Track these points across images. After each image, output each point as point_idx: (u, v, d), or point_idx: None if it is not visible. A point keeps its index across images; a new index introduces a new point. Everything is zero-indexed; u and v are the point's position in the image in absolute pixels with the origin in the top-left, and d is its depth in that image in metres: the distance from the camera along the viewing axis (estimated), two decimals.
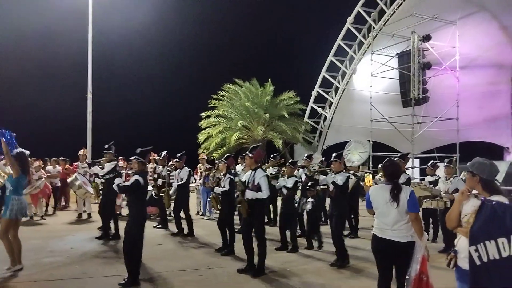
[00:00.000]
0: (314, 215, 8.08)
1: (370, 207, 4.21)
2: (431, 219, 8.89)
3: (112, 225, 8.79)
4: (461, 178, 8.16)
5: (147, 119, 28.34)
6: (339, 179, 6.80)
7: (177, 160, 9.98)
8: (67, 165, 13.40)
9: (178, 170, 9.79)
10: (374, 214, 4.21)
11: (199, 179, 12.91)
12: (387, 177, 4.19)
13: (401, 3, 19.78)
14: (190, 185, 12.54)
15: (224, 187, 7.69)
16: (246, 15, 30.92)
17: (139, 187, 5.71)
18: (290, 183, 7.80)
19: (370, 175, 11.52)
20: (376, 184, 9.09)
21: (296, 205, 8.09)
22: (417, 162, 18.79)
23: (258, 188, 6.09)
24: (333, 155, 7.10)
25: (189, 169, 9.89)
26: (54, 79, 25.28)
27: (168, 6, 27.79)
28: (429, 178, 8.98)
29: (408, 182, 7.49)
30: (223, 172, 8.03)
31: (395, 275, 4.11)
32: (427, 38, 17.09)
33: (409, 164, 11.34)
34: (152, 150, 6.76)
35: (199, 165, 13.48)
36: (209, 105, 23.22)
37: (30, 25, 24.44)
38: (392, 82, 19.06)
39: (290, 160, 8.83)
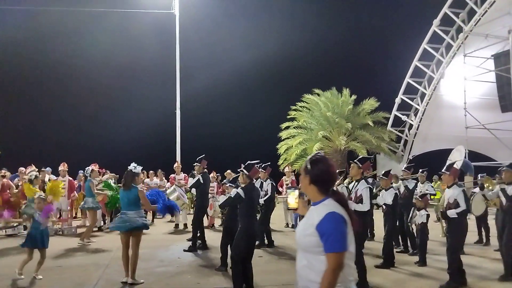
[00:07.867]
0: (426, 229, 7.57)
1: None
2: None
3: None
4: None
5: (228, 131, 29.16)
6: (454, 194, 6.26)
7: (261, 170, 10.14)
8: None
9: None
10: None
11: (285, 192, 12.94)
12: None
13: (494, 1, 18.43)
14: (279, 196, 12.76)
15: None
16: (324, 20, 30.78)
17: (241, 201, 5.75)
18: (389, 198, 7.48)
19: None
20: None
21: (409, 218, 7.71)
22: None
23: (360, 200, 5.94)
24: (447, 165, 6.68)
25: (271, 182, 10.01)
26: (146, 98, 27.30)
27: (250, 21, 28.60)
28: None
29: None
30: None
31: None
32: None
33: None
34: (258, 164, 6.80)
35: (284, 177, 13.53)
36: (289, 116, 23.27)
37: (122, 48, 26.62)
38: (487, 85, 17.77)
39: (383, 172, 8.38)
